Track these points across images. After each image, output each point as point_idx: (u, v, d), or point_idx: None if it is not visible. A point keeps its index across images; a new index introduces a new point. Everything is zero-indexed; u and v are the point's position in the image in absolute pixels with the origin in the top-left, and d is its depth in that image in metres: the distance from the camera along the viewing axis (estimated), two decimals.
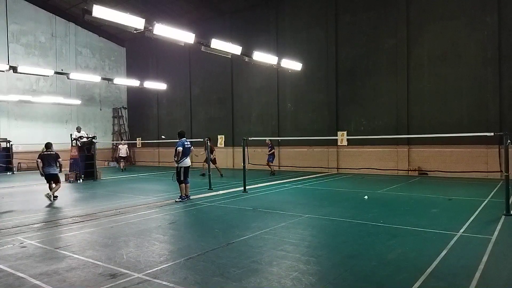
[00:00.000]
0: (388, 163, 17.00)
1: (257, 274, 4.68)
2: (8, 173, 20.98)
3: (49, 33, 24.21)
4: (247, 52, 13.38)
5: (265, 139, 17.98)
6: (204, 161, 16.87)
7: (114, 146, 27.84)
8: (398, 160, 16.84)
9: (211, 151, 16.59)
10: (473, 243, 5.95)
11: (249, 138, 13.59)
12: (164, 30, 10.20)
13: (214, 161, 16.72)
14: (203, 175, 16.35)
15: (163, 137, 20.87)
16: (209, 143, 16.54)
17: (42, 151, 11.35)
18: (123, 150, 22.18)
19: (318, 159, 19.05)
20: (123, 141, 25.01)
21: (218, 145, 21.59)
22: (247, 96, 22.02)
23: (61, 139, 23.27)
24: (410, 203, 9.69)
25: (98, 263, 5.21)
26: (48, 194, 10.71)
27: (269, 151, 17.79)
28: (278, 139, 19.97)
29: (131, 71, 28.21)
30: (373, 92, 17.54)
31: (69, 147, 17.67)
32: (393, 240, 6.16)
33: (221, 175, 17.00)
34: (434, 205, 9.19)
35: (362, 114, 17.87)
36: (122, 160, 22.08)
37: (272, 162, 18.00)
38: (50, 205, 10.29)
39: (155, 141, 25.01)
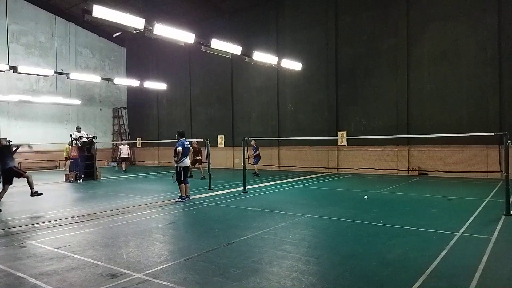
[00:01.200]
0: (388, 163, 17.00)
1: (257, 274, 4.68)
2: None
3: (49, 33, 24.22)
4: (247, 52, 13.37)
5: (251, 139, 17.55)
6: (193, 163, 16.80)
7: (114, 146, 27.85)
8: (398, 160, 16.84)
9: (199, 153, 16.61)
10: (473, 243, 5.95)
11: (249, 138, 13.60)
12: (164, 30, 10.19)
13: (200, 162, 16.65)
14: (203, 177, 16.28)
15: None
16: (196, 145, 16.55)
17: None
18: (124, 150, 22.03)
19: (318, 159, 19.06)
20: (123, 141, 24.94)
21: (218, 145, 21.60)
22: (247, 96, 22.02)
23: (61, 139, 23.31)
24: (410, 203, 9.69)
25: (98, 263, 5.20)
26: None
27: (254, 153, 17.60)
28: (278, 139, 19.98)
29: (131, 71, 28.21)
30: (373, 92, 17.55)
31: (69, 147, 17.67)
32: (393, 240, 6.16)
33: (203, 177, 16.36)
34: (434, 205, 9.19)
35: (362, 114, 17.87)
36: (123, 160, 21.90)
37: (257, 163, 17.75)
38: (50, 205, 10.29)
39: (155, 141, 25.04)
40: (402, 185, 13.23)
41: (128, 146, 22.50)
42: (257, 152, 17.72)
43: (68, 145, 22.71)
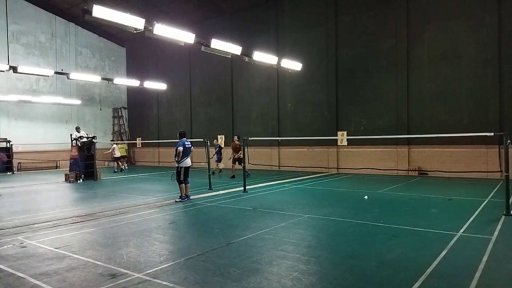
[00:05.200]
0: (388, 163, 16.99)
1: (257, 274, 4.68)
2: (8, 173, 20.99)
3: (49, 33, 24.22)
4: (247, 52, 13.37)
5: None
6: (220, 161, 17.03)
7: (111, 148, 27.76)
8: (398, 160, 16.84)
9: (238, 150, 16.37)
10: (473, 243, 5.95)
11: (249, 138, 13.61)
12: (164, 30, 10.19)
13: (240, 161, 15.56)
14: (233, 177, 16.40)
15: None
16: (237, 141, 16.47)
17: None
18: (116, 151, 22.01)
19: (318, 159, 19.05)
20: (113, 141, 24.83)
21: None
22: (247, 96, 22.02)
23: (61, 139, 23.33)
24: (410, 203, 9.69)
25: (98, 263, 5.21)
26: None
27: (216, 152, 18.42)
28: (278, 139, 19.98)
29: (131, 71, 28.21)
30: (373, 92, 17.54)
31: (69, 147, 17.66)
32: (393, 240, 6.16)
33: (233, 176, 16.52)
34: (434, 205, 9.19)
35: (362, 114, 17.86)
36: (119, 160, 21.94)
37: (220, 162, 18.73)
38: (50, 205, 10.29)
39: (155, 141, 25.03)
40: (402, 185, 13.23)
41: (115, 146, 22.33)
42: (220, 152, 18.78)
43: (121, 145, 23.01)
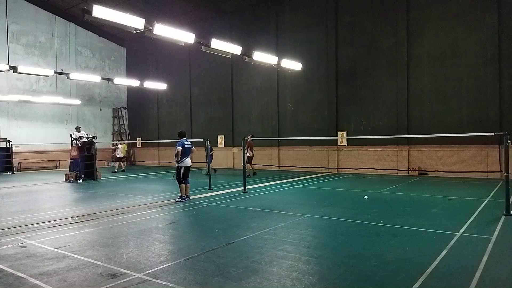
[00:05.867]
0: (388, 163, 17.00)
1: (257, 274, 4.68)
2: (8, 173, 20.98)
3: (49, 33, 24.21)
4: (247, 52, 13.38)
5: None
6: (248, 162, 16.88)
7: (114, 146, 27.80)
8: (398, 160, 16.84)
9: (251, 148, 16.52)
10: (473, 243, 5.95)
11: (250, 138, 13.60)
12: (164, 30, 10.20)
13: (248, 159, 16.45)
14: (255, 174, 16.77)
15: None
16: (250, 140, 16.46)
17: None
18: (120, 151, 22.00)
19: (318, 159, 19.06)
20: (119, 141, 24.82)
21: (218, 145, 21.60)
22: (247, 96, 22.03)
23: (61, 139, 23.33)
24: (410, 203, 9.69)
25: (98, 263, 5.20)
26: None
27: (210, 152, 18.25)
28: (278, 139, 19.98)
29: (131, 71, 28.21)
30: (373, 92, 17.55)
31: (69, 147, 17.65)
32: (393, 240, 6.16)
33: (254, 173, 17.05)
34: (434, 205, 9.19)
35: (362, 114, 17.87)
36: (121, 160, 21.97)
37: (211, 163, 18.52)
38: (50, 205, 10.29)
39: (155, 141, 25.03)
40: (402, 185, 13.23)
41: (120, 147, 22.32)
42: (211, 153, 18.36)
43: (125, 145, 22.95)
